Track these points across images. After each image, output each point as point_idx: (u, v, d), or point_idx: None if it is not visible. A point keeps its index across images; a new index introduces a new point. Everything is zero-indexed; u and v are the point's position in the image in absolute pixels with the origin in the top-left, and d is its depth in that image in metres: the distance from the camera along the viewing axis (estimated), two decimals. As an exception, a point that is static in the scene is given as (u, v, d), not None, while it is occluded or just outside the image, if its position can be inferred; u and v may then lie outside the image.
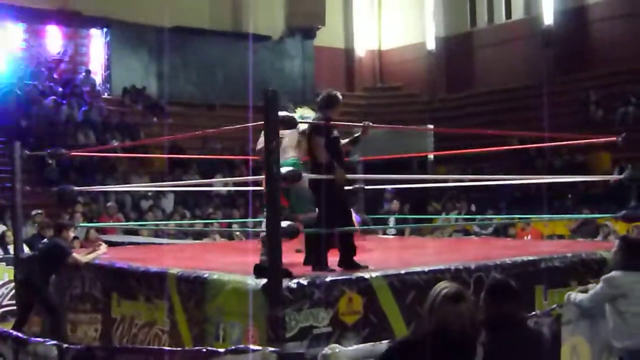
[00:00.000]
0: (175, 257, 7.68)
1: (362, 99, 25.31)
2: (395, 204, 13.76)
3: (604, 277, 5.16)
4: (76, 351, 4.62)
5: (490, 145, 13.73)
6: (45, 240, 7.73)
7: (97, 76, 21.03)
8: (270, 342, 4.71)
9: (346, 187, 6.10)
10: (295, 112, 6.15)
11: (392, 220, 12.90)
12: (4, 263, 9.57)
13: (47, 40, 20.88)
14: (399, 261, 6.65)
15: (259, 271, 5.14)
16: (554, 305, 5.59)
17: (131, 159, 16.11)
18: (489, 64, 23.75)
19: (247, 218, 13.65)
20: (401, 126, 17.47)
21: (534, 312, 5.44)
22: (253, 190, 10.81)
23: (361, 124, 6.07)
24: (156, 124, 19.22)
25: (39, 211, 11.74)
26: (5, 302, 9.05)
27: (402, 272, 5.55)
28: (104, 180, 15.35)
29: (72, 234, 8.09)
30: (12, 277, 8.64)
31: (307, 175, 5.63)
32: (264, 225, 6.24)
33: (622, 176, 8.40)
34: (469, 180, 14.60)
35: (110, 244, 9.08)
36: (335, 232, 5.69)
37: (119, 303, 6.57)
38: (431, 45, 25.36)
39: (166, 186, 13.73)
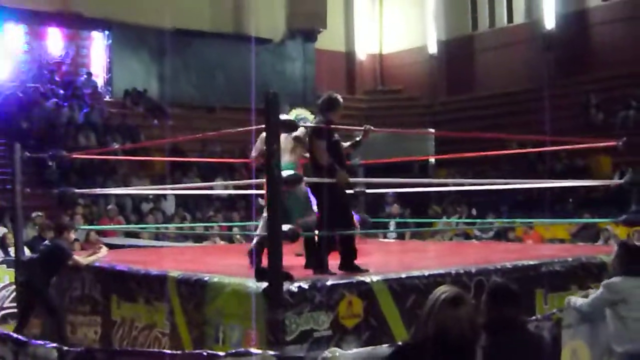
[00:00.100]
0: (175, 260, 7.67)
1: (363, 102, 25.28)
2: (395, 208, 13.76)
3: (604, 282, 5.16)
4: (76, 353, 4.61)
5: (491, 149, 13.69)
6: (46, 242, 7.72)
7: (99, 78, 20.99)
8: (270, 345, 4.71)
9: (348, 191, 6.10)
10: (290, 113, 6.18)
11: (392, 223, 12.90)
12: (4, 265, 9.53)
13: (48, 42, 20.84)
14: (399, 265, 6.65)
15: (259, 274, 5.13)
16: (555, 309, 5.58)
17: (132, 161, 16.12)
18: (490, 68, 23.73)
19: (247, 221, 13.64)
20: (402, 130, 17.45)
21: (534, 316, 5.44)
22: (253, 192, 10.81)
23: (362, 128, 6.09)
24: (157, 127, 19.21)
25: (40, 213, 11.73)
26: (6, 305, 9.02)
27: (403, 275, 5.56)
28: (104, 183, 15.34)
29: (73, 235, 8.09)
30: (12, 280, 8.61)
31: (309, 179, 5.64)
32: (258, 229, 6.28)
33: (622, 180, 8.40)
34: (470, 184, 14.58)
35: (111, 246, 9.09)
36: (336, 235, 5.70)
37: (119, 305, 6.57)
38: (432, 48, 25.34)
39: (167, 189, 13.73)
